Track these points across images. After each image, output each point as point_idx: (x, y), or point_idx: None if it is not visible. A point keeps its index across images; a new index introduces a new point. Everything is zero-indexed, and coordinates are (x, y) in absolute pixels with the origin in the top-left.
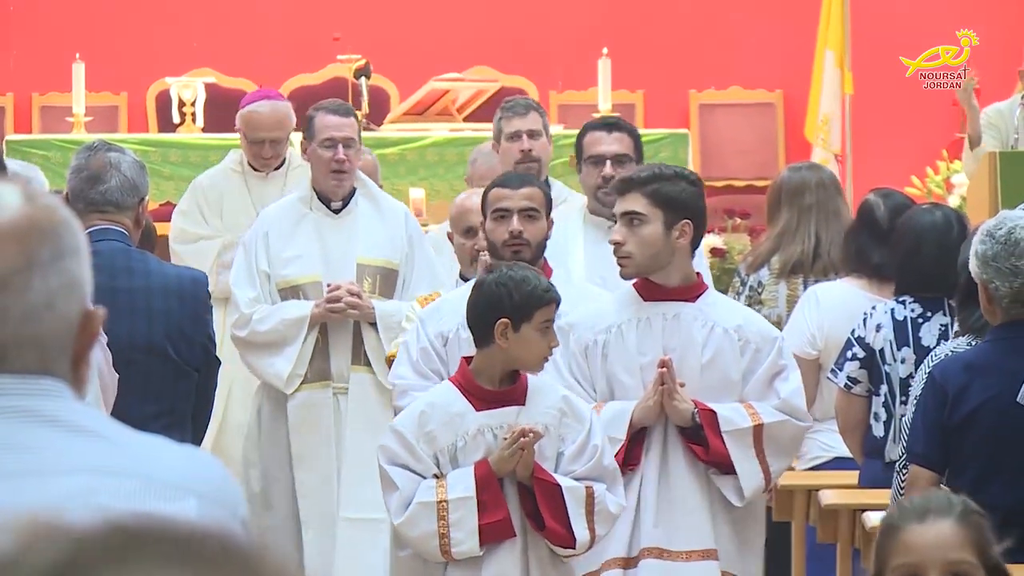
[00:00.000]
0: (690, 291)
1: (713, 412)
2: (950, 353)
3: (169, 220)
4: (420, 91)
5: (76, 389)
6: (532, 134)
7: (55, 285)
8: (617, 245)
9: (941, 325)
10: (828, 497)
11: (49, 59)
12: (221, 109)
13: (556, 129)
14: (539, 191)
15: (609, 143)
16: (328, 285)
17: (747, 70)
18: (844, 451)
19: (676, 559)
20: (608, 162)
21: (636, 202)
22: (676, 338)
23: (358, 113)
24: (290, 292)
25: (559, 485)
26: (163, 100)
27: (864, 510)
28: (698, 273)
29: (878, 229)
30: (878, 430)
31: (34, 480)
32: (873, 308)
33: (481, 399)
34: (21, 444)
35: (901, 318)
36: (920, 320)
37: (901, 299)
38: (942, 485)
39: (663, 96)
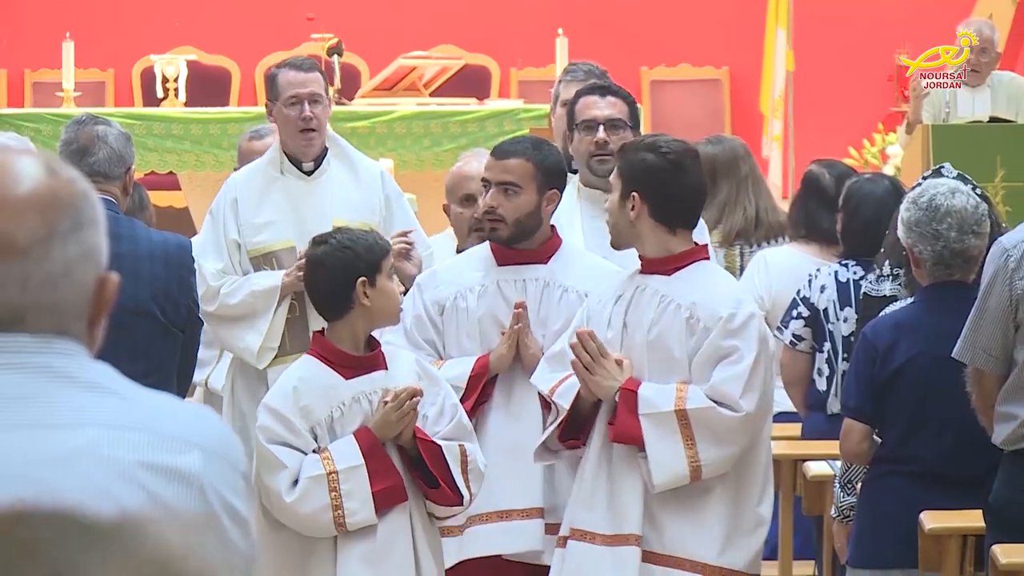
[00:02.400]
0: (663, 264)
1: (634, 392)
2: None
3: (151, 189)
4: (389, 68)
5: (90, 349)
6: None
7: (73, 254)
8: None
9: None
10: (773, 448)
11: (41, 37)
12: (202, 85)
13: (516, 104)
14: (524, 162)
15: (602, 107)
16: (300, 252)
17: (695, 48)
18: (788, 406)
19: (597, 542)
20: (601, 126)
21: (612, 172)
22: (634, 313)
23: (322, 68)
24: (263, 260)
25: (440, 445)
26: (147, 76)
27: (806, 460)
28: (702, 245)
29: (826, 196)
30: (821, 384)
31: (49, 432)
32: (818, 270)
33: (347, 367)
34: (38, 398)
35: (844, 280)
36: (862, 282)
37: (844, 262)
38: (874, 436)
39: (616, 73)
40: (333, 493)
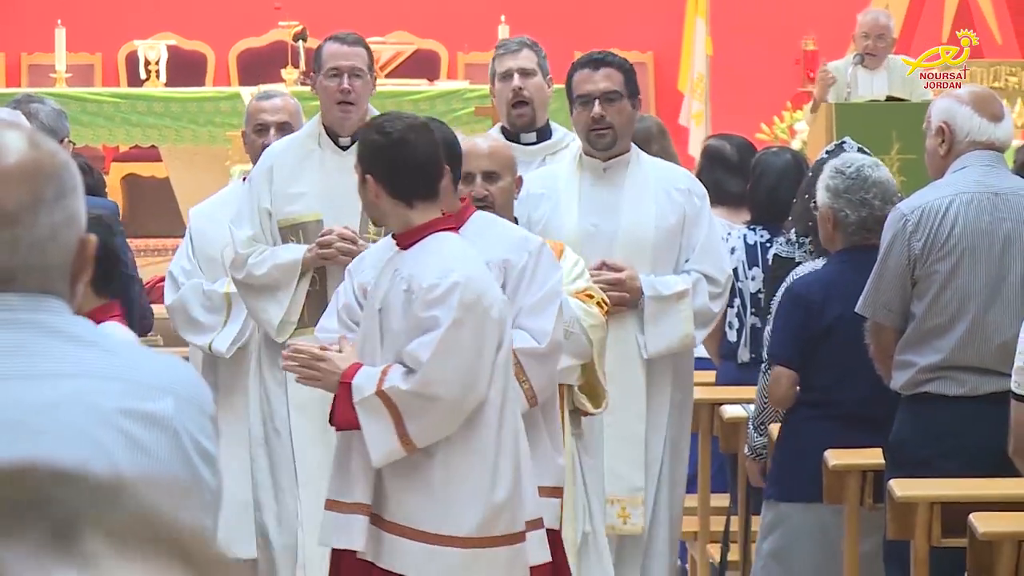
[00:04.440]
0: (404, 239)
1: (348, 383)
2: (808, 272)
3: (135, 161)
4: None
5: (72, 305)
6: (524, 72)
7: (58, 220)
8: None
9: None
10: (693, 393)
11: (35, 24)
12: (181, 67)
13: (462, 84)
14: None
15: (596, 81)
16: (323, 228)
17: (623, 34)
18: (702, 351)
19: (344, 511)
20: (596, 101)
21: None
22: (376, 289)
23: (367, 45)
24: (290, 231)
25: None
26: (132, 59)
27: (721, 404)
28: (444, 216)
29: (730, 164)
30: (731, 336)
31: (38, 381)
32: (728, 234)
33: None
34: (28, 351)
35: (752, 242)
36: (768, 244)
37: (752, 227)
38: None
39: (552, 56)
40: None
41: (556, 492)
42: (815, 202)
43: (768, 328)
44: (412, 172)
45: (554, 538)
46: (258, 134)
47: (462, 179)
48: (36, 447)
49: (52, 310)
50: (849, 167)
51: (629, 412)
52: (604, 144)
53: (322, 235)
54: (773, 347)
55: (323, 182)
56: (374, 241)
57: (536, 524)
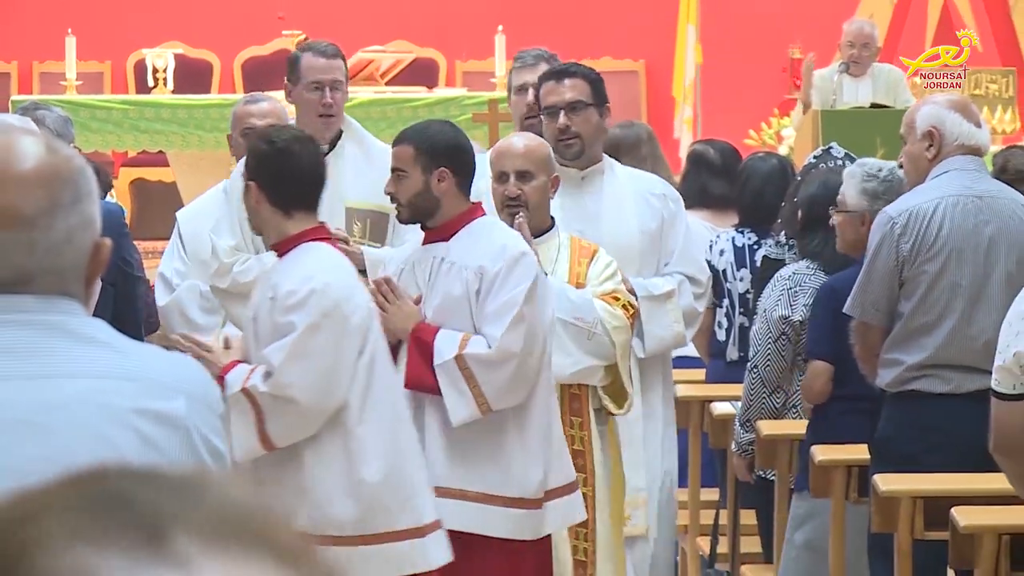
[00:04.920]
0: (277, 248)
1: (223, 379)
2: (794, 273)
3: (143, 166)
4: (349, 60)
5: (86, 306)
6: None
7: (74, 223)
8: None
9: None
10: (681, 390)
11: (46, 32)
12: (187, 75)
13: (460, 92)
14: (406, 148)
15: (562, 92)
16: None
17: (616, 43)
18: (691, 351)
19: None
20: (562, 112)
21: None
22: (253, 300)
23: (343, 54)
24: None
25: None
26: (140, 68)
27: (711, 401)
28: (318, 226)
29: (714, 167)
30: (720, 335)
31: (53, 381)
32: (717, 236)
33: None
34: (43, 351)
35: (740, 245)
36: (755, 246)
37: (740, 229)
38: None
39: None
40: None
41: (519, 503)
42: (834, 207)
43: (755, 328)
44: (294, 182)
45: (519, 547)
46: (245, 138)
47: (496, 178)
48: (48, 446)
49: (67, 311)
50: (880, 171)
51: (627, 414)
52: (572, 154)
53: None
54: (812, 343)
55: None
56: (360, 243)
57: (434, 526)
